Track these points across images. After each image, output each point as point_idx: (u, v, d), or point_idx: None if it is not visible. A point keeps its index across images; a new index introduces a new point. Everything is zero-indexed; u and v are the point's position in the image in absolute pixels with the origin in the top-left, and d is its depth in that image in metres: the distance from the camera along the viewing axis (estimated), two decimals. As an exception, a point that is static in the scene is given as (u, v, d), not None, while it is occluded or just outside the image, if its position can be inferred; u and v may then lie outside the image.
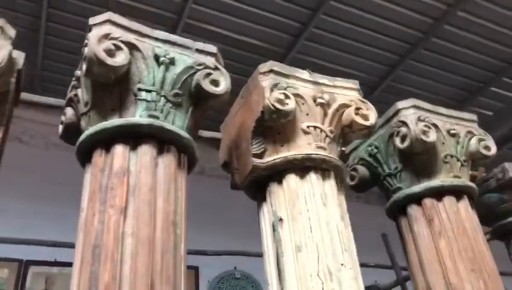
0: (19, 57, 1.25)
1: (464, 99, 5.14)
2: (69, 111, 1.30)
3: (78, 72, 1.24)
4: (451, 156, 1.57)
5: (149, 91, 1.18)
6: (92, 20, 1.20)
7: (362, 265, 4.36)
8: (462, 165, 1.58)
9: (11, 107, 1.26)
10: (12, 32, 1.19)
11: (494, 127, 4.96)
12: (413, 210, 1.54)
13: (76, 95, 1.27)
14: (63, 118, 1.33)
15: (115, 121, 1.14)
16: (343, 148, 1.82)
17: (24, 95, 2.27)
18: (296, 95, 1.38)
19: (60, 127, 1.34)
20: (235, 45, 4.38)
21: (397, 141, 1.56)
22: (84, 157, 1.18)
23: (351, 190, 1.77)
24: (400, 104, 1.60)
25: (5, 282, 4.27)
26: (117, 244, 1.00)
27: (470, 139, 1.62)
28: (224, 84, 1.26)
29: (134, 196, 1.07)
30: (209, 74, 1.25)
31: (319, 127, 1.38)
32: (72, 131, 1.28)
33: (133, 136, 1.14)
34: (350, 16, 4.19)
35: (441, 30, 4.30)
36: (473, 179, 1.96)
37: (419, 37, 4.37)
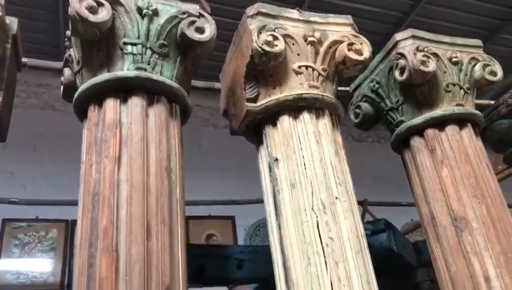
0: (12, 22, 1.30)
1: (497, 28, 4.89)
2: (67, 71, 1.36)
3: (68, 33, 1.28)
4: (454, 85, 1.53)
5: (134, 44, 1.21)
6: (74, -21, 1.22)
7: (395, 204, 4.36)
8: (465, 93, 1.54)
9: (12, 72, 1.32)
10: (1, -1, 1.23)
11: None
12: (416, 142, 1.54)
13: (70, 55, 1.32)
14: (62, 78, 1.39)
15: (103, 76, 1.18)
16: (347, 88, 1.83)
17: (49, 63, 2.35)
18: (286, 36, 1.38)
19: (61, 88, 1.40)
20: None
21: (396, 73, 1.54)
22: (81, 113, 1.25)
23: (357, 128, 1.78)
24: (398, 36, 1.57)
25: (56, 241, 4.58)
26: (113, 191, 1.07)
27: (474, 65, 1.58)
28: (209, 31, 1.27)
29: (127, 146, 1.13)
30: (193, 22, 1.26)
31: (310, 67, 1.38)
32: (70, 90, 1.33)
33: (123, 90, 1.18)
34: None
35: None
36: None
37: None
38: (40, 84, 5.06)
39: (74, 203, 1.16)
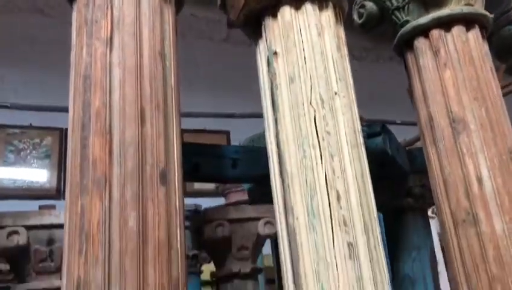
0: None
1: None
2: (53, -51, 1.26)
3: None
4: (465, -18, 1.45)
5: None
6: None
7: (389, 122, 4.39)
8: (476, -9, 1.47)
9: None
10: None
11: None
12: (420, 43, 1.48)
13: None
14: (48, -42, 1.29)
15: (92, -49, 1.09)
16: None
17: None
18: None
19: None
20: None
21: (405, -32, 1.45)
22: (70, -6, 1.17)
23: (360, 28, 1.71)
24: None
25: (50, 148, 4.61)
26: (105, 73, 1.03)
27: (488, -38, 1.49)
28: None
29: (119, 28, 1.07)
30: None
31: (314, -48, 1.29)
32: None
33: (113, -32, 1.10)
34: None
35: None
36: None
37: None
38: (27, -14, 4.84)
39: (67, 110, 1.11)
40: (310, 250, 1.10)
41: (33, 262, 1.44)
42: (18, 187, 4.33)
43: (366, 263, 1.10)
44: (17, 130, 4.52)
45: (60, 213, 1.40)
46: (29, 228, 1.37)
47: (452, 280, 1.37)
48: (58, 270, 1.41)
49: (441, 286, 2.10)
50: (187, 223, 1.99)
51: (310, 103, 1.20)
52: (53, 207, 1.45)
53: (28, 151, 4.50)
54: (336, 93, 1.22)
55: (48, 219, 1.40)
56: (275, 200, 1.23)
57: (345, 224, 1.11)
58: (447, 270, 3.32)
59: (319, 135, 1.17)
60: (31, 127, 4.54)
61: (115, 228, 0.93)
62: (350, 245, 1.10)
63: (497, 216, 1.27)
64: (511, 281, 1.23)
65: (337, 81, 1.23)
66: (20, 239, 1.34)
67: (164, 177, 1.01)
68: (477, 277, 1.27)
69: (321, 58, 1.23)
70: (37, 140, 4.56)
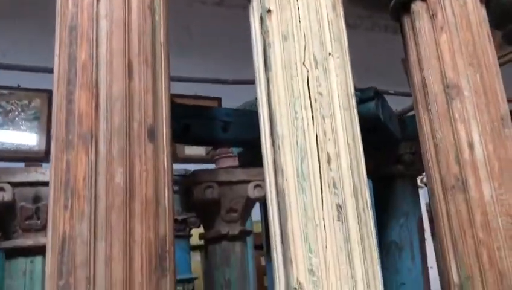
0: None
1: None
2: None
3: None
4: None
5: None
6: None
7: (383, 92, 4.33)
8: (477, -46, 1.43)
9: None
10: None
11: None
12: (417, 6, 1.45)
13: None
14: None
15: None
16: None
17: None
18: None
19: None
20: None
21: None
22: None
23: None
24: None
25: (39, 111, 4.54)
26: (91, 25, 1.00)
27: None
28: None
29: (107, -23, 1.03)
30: None
31: None
32: None
33: None
34: None
35: None
36: None
37: None
38: None
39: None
40: (298, 211, 1.10)
41: (19, 219, 1.43)
42: (6, 149, 4.28)
43: (354, 225, 1.10)
44: (4, 91, 4.44)
45: (46, 171, 1.38)
46: (15, 185, 1.35)
47: (439, 245, 1.38)
48: (44, 227, 1.40)
49: (427, 253, 2.13)
50: (176, 188, 1.98)
51: (303, 63, 1.17)
52: (39, 165, 1.42)
53: (16, 113, 4.43)
54: (330, 54, 1.19)
55: (34, 176, 1.38)
56: (265, 161, 1.22)
57: (335, 186, 1.10)
58: (433, 238, 3.37)
59: (311, 96, 1.15)
60: (19, 88, 4.46)
61: (101, 184, 0.91)
62: (339, 207, 1.09)
63: (486, 182, 1.27)
64: (496, 247, 1.24)
65: (331, 42, 1.20)
66: (6, 195, 1.33)
67: (152, 134, 0.99)
68: (463, 242, 1.28)
69: (316, 17, 1.20)
70: (26, 102, 4.49)
